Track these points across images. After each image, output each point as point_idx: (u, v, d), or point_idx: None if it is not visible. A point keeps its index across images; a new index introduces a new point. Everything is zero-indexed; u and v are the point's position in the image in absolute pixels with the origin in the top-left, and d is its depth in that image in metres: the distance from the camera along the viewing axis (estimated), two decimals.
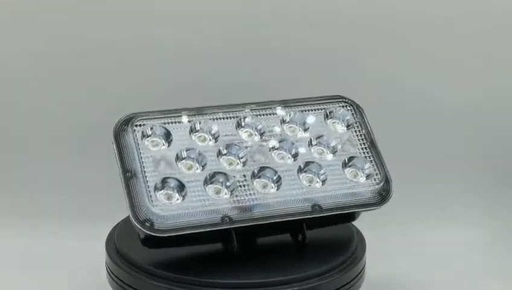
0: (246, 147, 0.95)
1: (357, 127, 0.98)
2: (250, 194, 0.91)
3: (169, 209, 0.88)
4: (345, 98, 1.00)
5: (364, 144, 0.97)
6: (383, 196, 0.95)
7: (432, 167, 1.31)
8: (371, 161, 0.95)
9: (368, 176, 0.94)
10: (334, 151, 0.96)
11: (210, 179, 0.91)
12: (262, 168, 0.93)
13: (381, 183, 0.94)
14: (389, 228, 1.25)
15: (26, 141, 1.29)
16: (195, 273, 0.90)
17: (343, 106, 0.99)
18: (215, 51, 1.26)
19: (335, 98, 1.00)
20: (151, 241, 0.91)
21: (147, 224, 0.88)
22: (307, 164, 0.94)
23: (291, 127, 0.97)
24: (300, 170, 0.94)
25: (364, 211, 0.95)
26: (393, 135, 1.29)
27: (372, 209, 0.94)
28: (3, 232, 1.26)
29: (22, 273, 1.16)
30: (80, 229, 1.24)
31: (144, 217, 0.88)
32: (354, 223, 1.04)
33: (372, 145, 0.97)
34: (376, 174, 0.95)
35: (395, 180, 1.27)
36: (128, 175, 0.90)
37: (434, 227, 1.27)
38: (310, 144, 0.96)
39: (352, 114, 0.99)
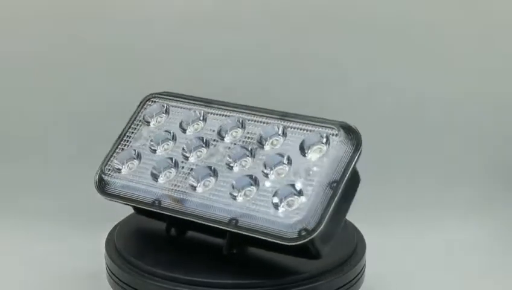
0: (214, 145, 0.95)
1: (332, 159, 0.88)
2: (184, 187, 0.93)
3: (113, 177, 0.98)
4: (340, 127, 0.90)
5: (324, 178, 0.87)
6: (301, 235, 0.85)
7: (431, 166, 1.31)
8: (309, 196, 0.86)
9: (292, 210, 0.86)
10: (288, 174, 0.89)
11: (159, 163, 0.96)
12: (204, 168, 0.94)
13: (298, 220, 0.85)
14: (388, 227, 1.25)
15: (25, 141, 1.29)
16: (196, 273, 0.90)
17: (334, 134, 0.90)
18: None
19: (331, 124, 0.91)
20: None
21: (102, 183, 0.99)
22: (245, 177, 0.91)
23: (276, 139, 0.93)
24: (236, 182, 0.91)
25: (277, 242, 0.86)
26: (392, 135, 1.29)
27: (283, 244, 0.85)
28: (3, 233, 1.26)
29: (21, 273, 1.16)
30: (80, 229, 1.24)
31: (103, 177, 0.99)
32: (354, 223, 1.04)
33: (332, 183, 0.87)
34: (306, 211, 0.85)
35: (395, 179, 1.30)
36: (120, 139, 1.01)
37: (433, 227, 1.27)
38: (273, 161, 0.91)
39: (334, 144, 0.89)
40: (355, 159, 0.88)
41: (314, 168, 0.88)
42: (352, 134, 0.90)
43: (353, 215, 1.05)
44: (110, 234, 1.02)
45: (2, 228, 1.27)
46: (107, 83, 1.28)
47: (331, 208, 0.85)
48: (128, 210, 1.07)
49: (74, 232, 1.25)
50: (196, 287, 0.88)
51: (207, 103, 0.99)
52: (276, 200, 0.88)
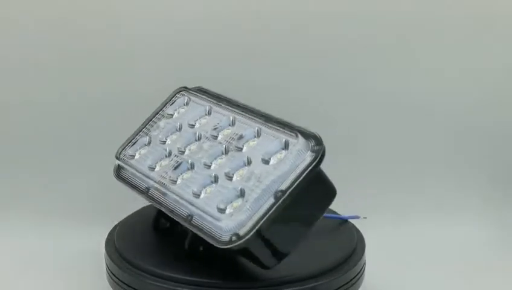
0: (203, 142, 0.96)
1: (286, 168, 0.86)
2: (167, 180, 0.95)
3: (126, 163, 1.01)
4: (300, 135, 0.87)
5: (270, 186, 0.85)
6: (231, 240, 0.83)
7: (431, 167, 1.31)
8: (249, 202, 0.85)
9: (231, 214, 0.86)
10: (242, 178, 0.89)
11: (157, 154, 0.99)
12: (186, 163, 0.95)
13: (232, 225, 0.84)
14: (388, 228, 1.25)
15: (27, 142, 1.29)
16: (195, 274, 0.90)
17: (293, 142, 0.87)
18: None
19: (294, 131, 0.88)
20: None
21: (119, 166, 1.02)
22: (207, 177, 0.92)
23: (253, 141, 0.93)
24: (201, 180, 0.92)
25: (214, 244, 0.85)
26: (392, 135, 1.29)
27: (217, 246, 0.85)
28: (3, 233, 1.26)
29: (22, 273, 1.16)
30: (80, 229, 1.24)
31: (119, 163, 1.02)
32: (354, 223, 1.04)
33: (277, 192, 0.84)
34: (243, 217, 0.84)
35: (395, 180, 1.30)
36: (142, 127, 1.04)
37: (433, 227, 1.27)
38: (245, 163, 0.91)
39: (293, 152, 0.86)
40: (309, 169, 0.84)
41: (265, 175, 0.86)
42: (313, 143, 0.86)
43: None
44: (110, 234, 1.02)
45: (2, 227, 1.27)
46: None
47: (267, 217, 0.83)
48: (128, 210, 1.08)
49: (74, 232, 1.25)
50: (195, 287, 0.89)
51: (219, 100, 1.00)
52: (221, 203, 0.87)
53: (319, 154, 0.85)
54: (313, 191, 0.86)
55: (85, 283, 1.13)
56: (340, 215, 1.05)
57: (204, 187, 0.91)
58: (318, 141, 0.86)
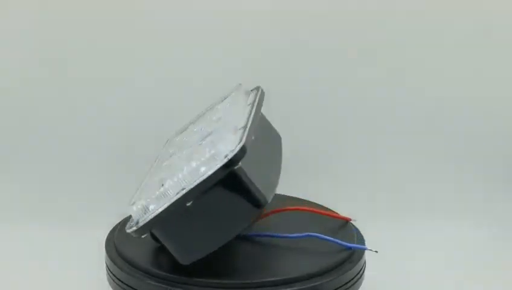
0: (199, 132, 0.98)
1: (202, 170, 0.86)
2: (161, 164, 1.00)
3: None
4: (220, 139, 0.89)
5: (178, 184, 0.87)
6: (131, 227, 0.87)
7: (430, 167, 1.31)
8: (156, 195, 0.87)
9: (142, 203, 0.88)
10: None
11: (181, 141, 1.03)
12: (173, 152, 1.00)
13: (138, 214, 0.88)
14: (388, 227, 1.25)
15: (27, 140, 1.29)
16: (195, 274, 0.90)
17: (214, 146, 0.88)
18: None
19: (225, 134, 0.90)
20: None
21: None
22: (167, 166, 0.95)
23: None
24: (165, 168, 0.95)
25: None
26: (391, 136, 1.30)
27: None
28: (4, 232, 1.26)
29: (21, 273, 1.16)
30: (80, 229, 1.24)
31: None
32: (354, 223, 1.04)
33: (181, 190, 0.85)
34: (147, 209, 0.87)
35: (394, 180, 1.30)
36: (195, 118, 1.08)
37: (434, 227, 1.28)
38: None
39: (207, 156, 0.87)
40: (213, 172, 0.84)
41: (181, 171, 0.87)
42: (232, 148, 0.85)
43: (353, 216, 1.05)
44: (110, 234, 1.02)
45: (3, 228, 1.27)
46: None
47: (164, 211, 0.84)
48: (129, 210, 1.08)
49: (74, 232, 1.25)
50: (195, 287, 0.89)
51: (244, 98, 1.01)
52: (148, 190, 0.90)
53: (230, 159, 0.83)
54: (229, 196, 0.86)
55: (85, 282, 1.13)
56: (347, 244, 0.98)
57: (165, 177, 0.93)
58: (239, 145, 0.84)
